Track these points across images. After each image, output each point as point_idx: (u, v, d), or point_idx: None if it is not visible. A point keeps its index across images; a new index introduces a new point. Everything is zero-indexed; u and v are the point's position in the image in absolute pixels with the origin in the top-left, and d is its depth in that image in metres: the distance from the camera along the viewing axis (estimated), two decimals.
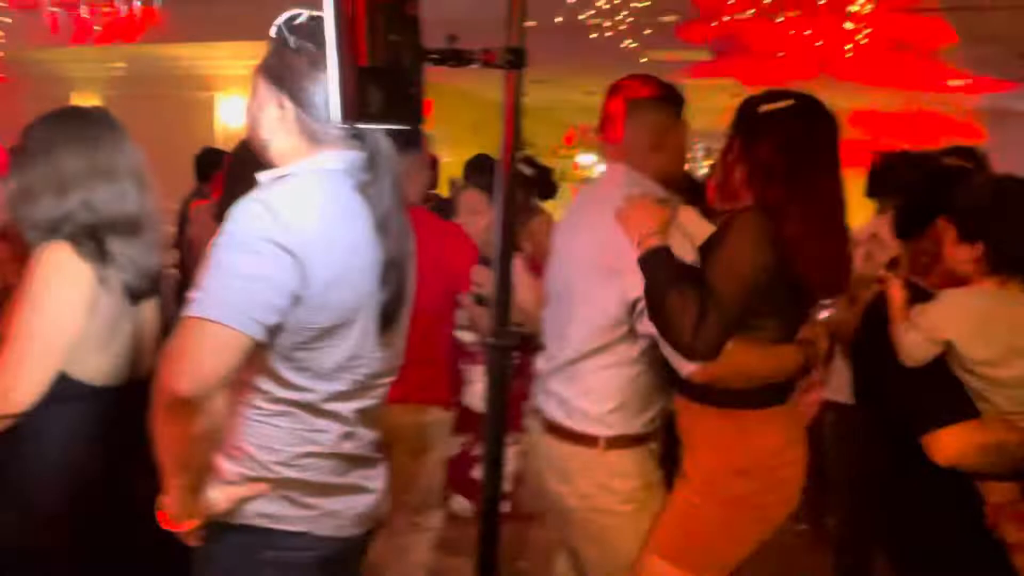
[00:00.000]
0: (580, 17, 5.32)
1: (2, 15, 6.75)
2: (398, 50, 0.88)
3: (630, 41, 5.86)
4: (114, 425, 1.47)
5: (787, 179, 1.61)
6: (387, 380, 1.37)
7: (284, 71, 1.24)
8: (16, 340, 1.34)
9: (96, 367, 1.46)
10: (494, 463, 1.02)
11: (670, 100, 1.94)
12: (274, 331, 1.16)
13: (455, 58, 0.93)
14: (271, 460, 1.23)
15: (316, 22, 1.22)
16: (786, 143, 1.63)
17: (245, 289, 1.10)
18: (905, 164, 2.59)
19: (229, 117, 8.45)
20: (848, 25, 5.37)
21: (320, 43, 1.17)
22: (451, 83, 8.42)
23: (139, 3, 5.28)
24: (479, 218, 2.47)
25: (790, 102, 1.68)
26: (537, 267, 2.41)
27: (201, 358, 1.09)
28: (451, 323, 2.48)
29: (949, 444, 1.47)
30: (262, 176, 1.25)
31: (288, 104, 1.24)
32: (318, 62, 1.18)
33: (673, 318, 1.48)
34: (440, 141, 9.62)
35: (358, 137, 1.28)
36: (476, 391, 2.57)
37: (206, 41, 6.80)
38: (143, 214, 1.53)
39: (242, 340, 1.10)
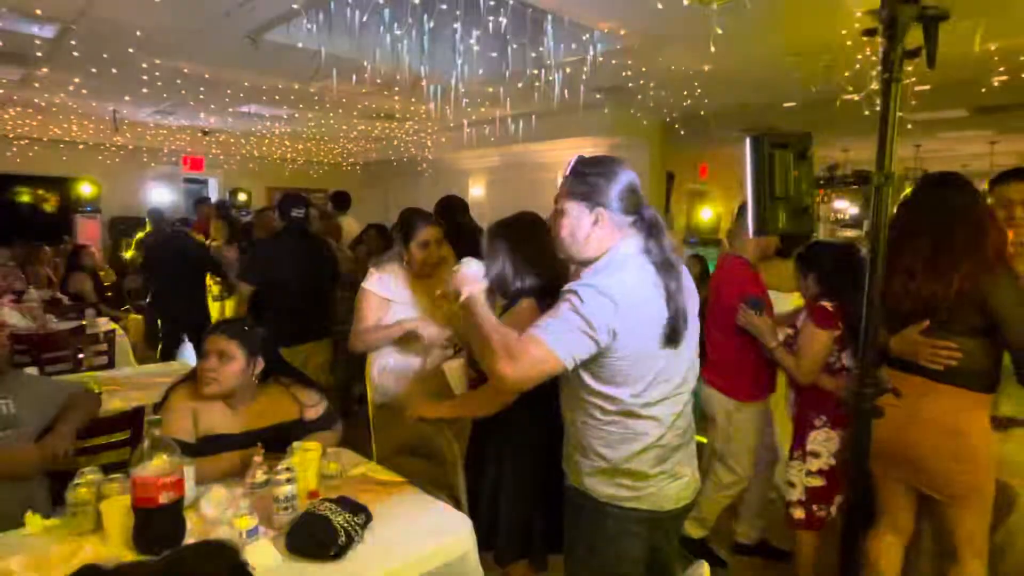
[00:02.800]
0: (845, 97, 5.09)
1: (437, 134, 8.40)
2: (798, 181, 1.01)
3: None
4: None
5: None
6: (688, 387, 1.50)
7: (589, 190, 1.44)
8: None
9: None
10: (859, 478, 1.05)
11: None
12: (591, 365, 1.38)
13: (838, 182, 1.03)
14: (611, 454, 1.45)
15: (592, 156, 1.48)
16: None
17: (573, 336, 1.32)
18: None
19: None
20: None
21: (601, 164, 1.43)
22: (722, 151, 8.26)
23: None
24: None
25: None
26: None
27: (530, 363, 1.32)
28: (740, 342, 2.54)
29: None
30: (596, 266, 1.43)
31: (599, 210, 1.43)
32: (609, 176, 1.42)
33: None
34: (714, 194, 9.21)
35: (641, 216, 1.45)
36: None
37: (549, 140, 7.69)
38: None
39: (558, 366, 1.32)
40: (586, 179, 1.45)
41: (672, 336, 1.42)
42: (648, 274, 1.42)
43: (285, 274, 3.66)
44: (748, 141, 1.04)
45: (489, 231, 1.88)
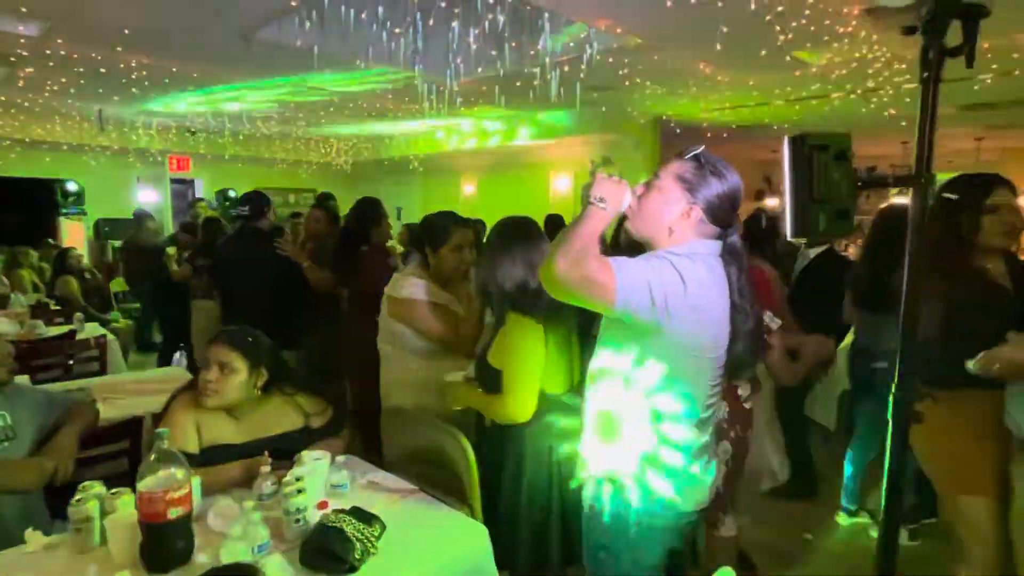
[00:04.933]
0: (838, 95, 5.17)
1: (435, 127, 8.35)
2: (838, 184, 0.98)
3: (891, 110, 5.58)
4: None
5: None
6: (714, 407, 1.47)
7: (697, 181, 1.37)
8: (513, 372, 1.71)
9: (552, 383, 1.78)
10: (897, 480, 1.03)
11: None
12: (642, 343, 1.34)
13: (878, 183, 1.00)
14: (640, 444, 1.41)
15: (716, 156, 1.40)
16: None
17: (639, 285, 1.26)
18: None
19: (557, 188, 9.24)
20: None
21: (722, 166, 1.37)
22: (714, 149, 8.28)
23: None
24: None
25: None
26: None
27: (586, 274, 1.23)
28: None
29: None
30: (674, 248, 1.37)
31: (695, 206, 1.37)
32: (722, 179, 1.37)
33: None
34: None
35: (726, 234, 1.41)
36: None
37: (540, 139, 7.66)
38: None
39: (608, 299, 1.25)
40: (701, 169, 1.38)
41: (732, 367, 1.41)
42: (720, 284, 1.39)
43: (232, 279, 3.52)
44: (787, 142, 1.01)
45: (492, 231, 1.87)
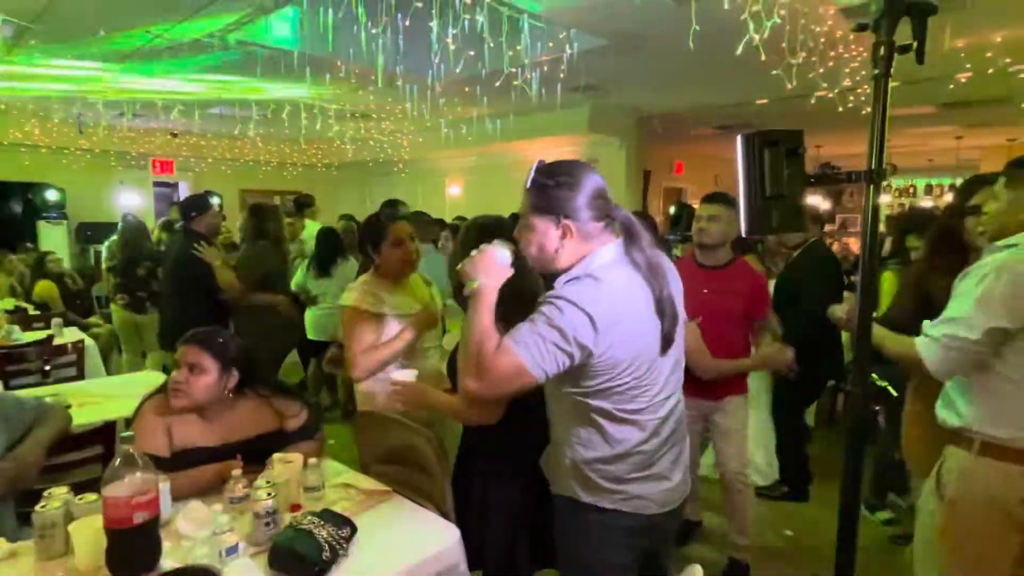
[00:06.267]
0: (818, 94, 5.23)
1: (414, 135, 8.31)
2: (790, 180, 0.99)
3: (867, 109, 5.63)
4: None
5: None
6: (674, 389, 1.44)
7: (552, 202, 1.35)
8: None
9: None
10: (853, 479, 1.04)
11: None
12: (573, 377, 1.32)
13: (830, 180, 1.01)
14: (591, 457, 1.41)
15: (553, 162, 1.38)
16: None
17: (548, 350, 1.25)
18: None
19: None
20: None
21: (562, 172, 1.34)
22: (697, 148, 8.38)
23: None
24: None
25: None
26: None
27: (498, 378, 1.26)
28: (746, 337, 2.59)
29: None
30: (574, 271, 1.35)
31: (566, 222, 1.34)
32: (572, 184, 1.34)
33: None
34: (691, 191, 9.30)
35: (612, 218, 1.37)
36: None
37: (527, 139, 7.67)
38: None
39: (530, 381, 1.26)
40: (547, 191, 1.35)
41: (664, 346, 1.37)
42: (632, 282, 1.36)
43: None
44: (740, 139, 1.02)
45: (462, 231, 1.84)
